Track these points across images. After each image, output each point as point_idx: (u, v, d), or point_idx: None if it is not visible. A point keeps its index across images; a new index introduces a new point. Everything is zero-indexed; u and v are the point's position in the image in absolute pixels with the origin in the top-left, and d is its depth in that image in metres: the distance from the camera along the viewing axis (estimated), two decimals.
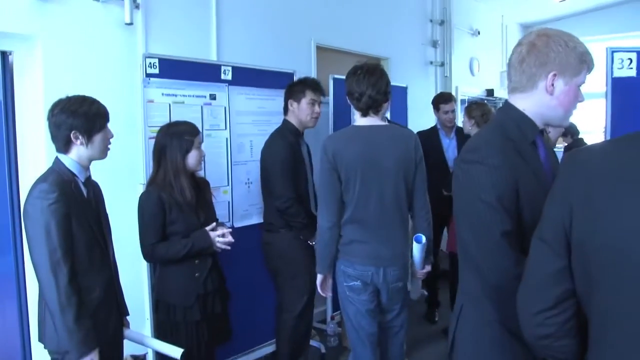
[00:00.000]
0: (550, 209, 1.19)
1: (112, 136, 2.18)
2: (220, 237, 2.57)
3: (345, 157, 2.48)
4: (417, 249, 2.57)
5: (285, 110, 3.30)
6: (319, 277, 2.69)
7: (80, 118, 2.03)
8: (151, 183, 2.57)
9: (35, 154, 2.71)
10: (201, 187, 2.68)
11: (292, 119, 3.27)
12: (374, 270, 2.52)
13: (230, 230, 2.64)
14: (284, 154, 3.11)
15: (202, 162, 2.66)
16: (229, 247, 2.61)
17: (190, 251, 2.50)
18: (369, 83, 2.50)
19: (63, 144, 2.06)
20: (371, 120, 2.57)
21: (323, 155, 2.53)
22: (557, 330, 1.16)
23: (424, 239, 2.55)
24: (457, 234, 1.58)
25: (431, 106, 4.55)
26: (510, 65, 1.56)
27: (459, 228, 1.55)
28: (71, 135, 2.03)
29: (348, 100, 2.62)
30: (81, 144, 2.05)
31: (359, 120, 2.61)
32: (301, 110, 3.24)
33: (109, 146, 2.18)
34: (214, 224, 2.60)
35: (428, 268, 2.70)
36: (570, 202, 1.12)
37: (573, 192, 1.12)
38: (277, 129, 3.29)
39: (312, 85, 3.28)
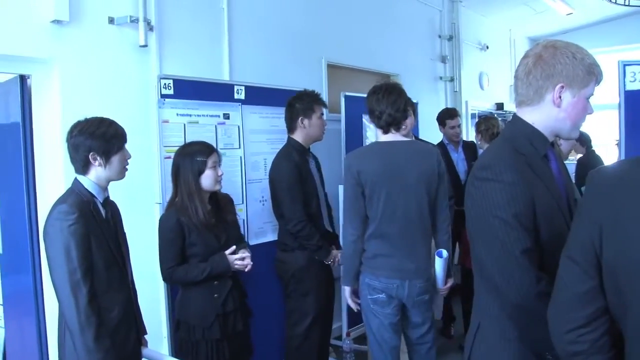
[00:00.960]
0: (579, 228, 1.18)
1: (129, 157, 2.19)
2: (240, 260, 2.56)
3: (369, 173, 2.54)
4: (439, 264, 2.59)
5: (293, 128, 3.23)
6: (347, 289, 2.73)
7: (98, 140, 2.06)
8: (170, 205, 2.57)
9: (53, 175, 2.74)
10: (222, 207, 2.66)
11: (299, 136, 3.21)
12: (399, 282, 2.55)
13: (250, 255, 2.62)
14: (290, 177, 3.07)
15: (220, 182, 2.60)
16: (244, 269, 2.60)
17: (209, 276, 2.49)
18: (388, 102, 2.60)
19: (82, 165, 2.08)
20: (392, 137, 2.64)
21: (347, 171, 2.61)
22: (590, 347, 1.15)
23: (445, 253, 2.57)
24: (472, 252, 1.54)
25: None
26: (517, 78, 1.52)
27: (474, 246, 1.52)
28: (89, 156, 2.06)
29: (369, 119, 2.70)
30: (99, 165, 2.08)
31: (380, 137, 2.68)
32: (313, 126, 3.20)
33: (127, 167, 2.20)
34: (234, 247, 2.58)
35: (450, 282, 2.72)
36: (600, 223, 1.11)
37: (601, 213, 1.12)
38: (282, 150, 3.23)
39: (316, 99, 3.24)
